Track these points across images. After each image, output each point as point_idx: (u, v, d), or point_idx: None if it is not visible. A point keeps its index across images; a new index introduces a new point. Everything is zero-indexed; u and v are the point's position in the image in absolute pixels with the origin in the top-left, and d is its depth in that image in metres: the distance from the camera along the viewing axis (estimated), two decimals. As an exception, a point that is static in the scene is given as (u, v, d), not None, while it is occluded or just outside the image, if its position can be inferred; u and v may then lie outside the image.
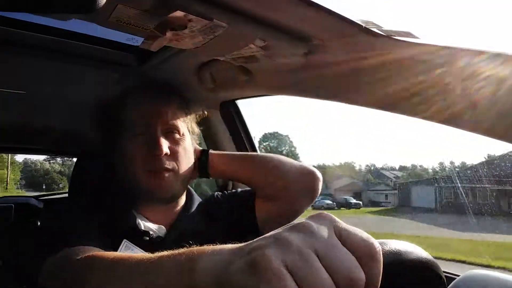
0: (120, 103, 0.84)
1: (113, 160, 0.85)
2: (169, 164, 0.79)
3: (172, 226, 0.82)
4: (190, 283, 0.36)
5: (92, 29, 0.76)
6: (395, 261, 0.38)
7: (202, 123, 1.32)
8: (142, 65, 0.93)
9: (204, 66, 0.94)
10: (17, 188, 35.69)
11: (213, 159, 0.90)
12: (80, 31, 0.77)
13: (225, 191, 0.98)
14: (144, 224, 0.80)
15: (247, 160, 0.92)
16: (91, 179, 1.35)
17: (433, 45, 0.64)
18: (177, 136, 0.83)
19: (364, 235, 0.32)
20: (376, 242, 0.32)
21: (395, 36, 0.67)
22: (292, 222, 0.33)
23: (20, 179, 40.23)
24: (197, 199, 0.93)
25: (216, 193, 0.98)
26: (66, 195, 1.69)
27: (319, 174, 0.88)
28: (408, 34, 0.66)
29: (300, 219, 0.34)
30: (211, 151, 0.92)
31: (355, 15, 0.65)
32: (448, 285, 0.40)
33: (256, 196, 0.89)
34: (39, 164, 48.31)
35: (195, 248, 0.39)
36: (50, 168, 48.19)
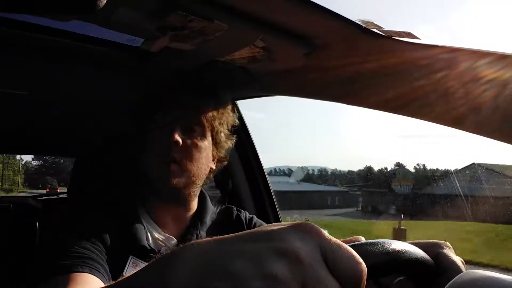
0: (154, 97, 0.86)
1: (133, 153, 0.87)
2: (177, 156, 0.79)
3: (182, 238, 0.81)
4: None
5: (92, 30, 0.76)
6: (393, 260, 0.38)
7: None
8: (142, 66, 0.92)
9: (205, 67, 0.94)
10: (23, 187, 47.46)
11: None
12: (80, 32, 0.77)
13: (247, 215, 0.96)
14: (153, 236, 0.78)
15: None
16: (90, 180, 1.35)
17: (434, 46, 0.64)
18: (196, 134, 0.83)
19: (352, 257, 0.28)
20: (364, 266, 0.29)
21: (395, 36, 0.67)
22: (277, 235, 0.28)
23: (23, 180, 51.70)
24: (210, 207, 0.91)
25: (240, 211, 0.96)
26: (65, 195, 1.69)
27: None
28: (409, 35, 0.66)
29: (283, 231, 0.28)
30: None
31: (356, 16, 0.65)
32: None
33: None
34: (37, 166, 61.95)
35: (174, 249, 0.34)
36: (44, 170, 60.15)
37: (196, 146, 0.82)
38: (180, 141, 0.78)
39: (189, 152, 0.80)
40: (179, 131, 0.79)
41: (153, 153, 0.81)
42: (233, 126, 0.92)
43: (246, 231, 0.31)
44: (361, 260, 0.29)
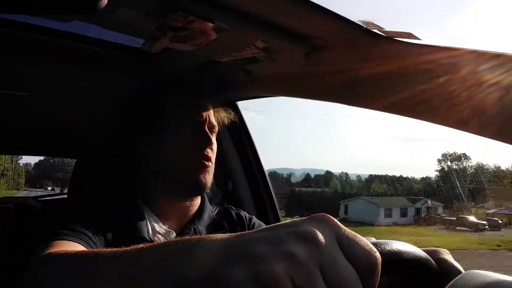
0: (163, 96, 0.88)
1: (148, 152, 0.86)
2: (211, 154, 0.84)
3: (180, 232, 0.82)
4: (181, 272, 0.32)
5: (93, 31, 0.76)
6: (394, 260, 0.39)
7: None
8: (143, 66, 0.93)
9: (205, 67, 0.94)
10: (25, 186, 55.79)
11: None
12: (81, 33, 0.77)
13: (247, 214, 0.97)
14: (154, 228, 0.79)
15: None
16: (91, 179, 1.35)
17: (434, 46, 0.64)
18: (214, 134, 0.88)
19: (367, 246, 0.30)
20: (378, 255, 0.30)
21: (396, 37, 0.67)
22: (295, 223, 0.30)
23: (25, 182, 60.88)
24: (208, 206, 0.93)
25: (239, 210, 0.97)
26: (65, 195, 1.69)
27: None
28: (410, 35, 0.66)
29: (301, 220, 0.31)
30: None
31: (357, 16, 0.65)
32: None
33: None
34: (35, 171, 70.12)
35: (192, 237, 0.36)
36: (39, 171, 68.57)
37: (214, 144, 0.87)
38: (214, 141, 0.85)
39: (214, 150, 0.86)
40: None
41: (184, 151, 0.82)
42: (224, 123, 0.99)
43: (264, 227, 0.33)
44: (375, 250, 0.30)
